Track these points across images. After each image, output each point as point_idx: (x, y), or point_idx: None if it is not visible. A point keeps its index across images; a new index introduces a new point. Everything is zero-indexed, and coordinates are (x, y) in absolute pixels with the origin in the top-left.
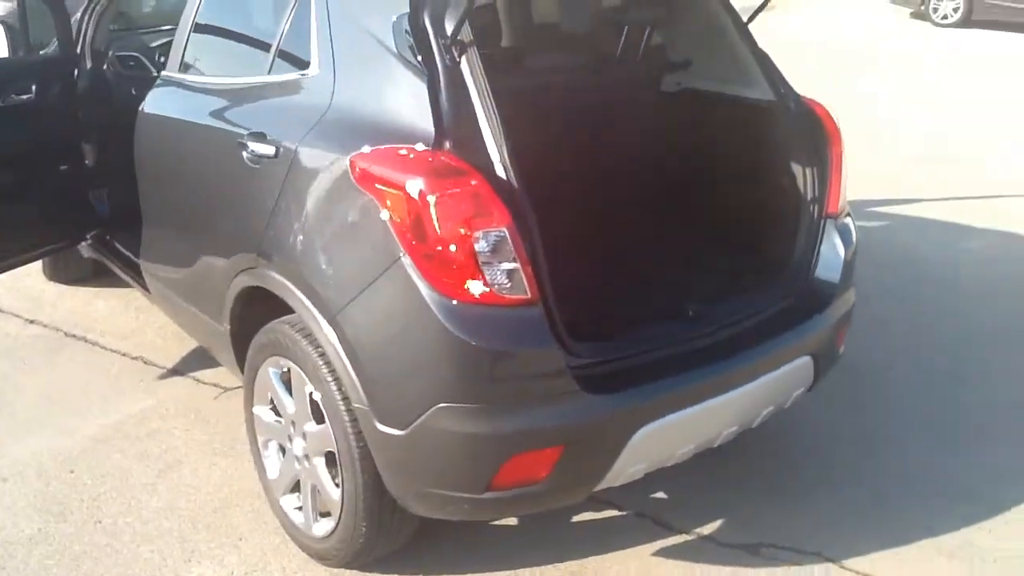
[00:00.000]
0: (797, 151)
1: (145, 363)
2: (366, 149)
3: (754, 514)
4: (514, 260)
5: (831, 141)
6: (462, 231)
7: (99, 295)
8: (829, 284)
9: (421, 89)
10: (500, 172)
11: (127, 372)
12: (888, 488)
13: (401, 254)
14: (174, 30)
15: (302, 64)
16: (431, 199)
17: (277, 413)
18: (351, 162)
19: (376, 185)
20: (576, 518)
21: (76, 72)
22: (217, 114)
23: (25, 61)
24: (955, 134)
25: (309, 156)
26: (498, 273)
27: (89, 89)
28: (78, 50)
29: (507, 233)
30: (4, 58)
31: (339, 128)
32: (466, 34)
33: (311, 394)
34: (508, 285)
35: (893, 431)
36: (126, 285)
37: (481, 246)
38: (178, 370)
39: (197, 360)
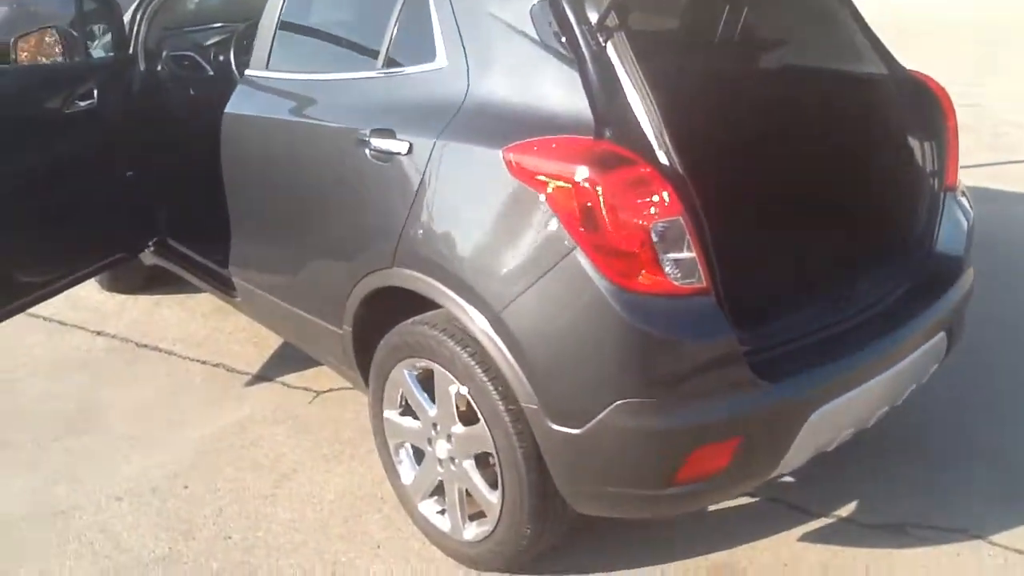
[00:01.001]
0: (913, 126)
1: (227, 370)
2: (520, 141)
3: (889, 493)
4: (688, 248)
5: (945, 114)
6: (636, 220)
7: (160, 303)
8: (954, 258)
9: (571, 77)
10: (663, 158)
11: (212, 381)
12: None
13: (573, 247)
14: (226, 27)
15: (425, 57)
16: (602, 189)
17: (410, 416)
18: (504, 155)
19: (537, 177)
20: (711, 508)
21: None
22: (325, 112)
23: (85, 66)
24: None
25: (450, 151)
26: (674, 262)
27: (145, 91)
28: (132, 51)
29: (681, 220)
30: (65, 63)
31: (481, 121)
32: (614, 17)
33: (457, 395)
34: (684, 274)
35: (1020, 404)
36: (186, 291)
37: (656, 235)
38: (263, 376)
39: (279, 364)
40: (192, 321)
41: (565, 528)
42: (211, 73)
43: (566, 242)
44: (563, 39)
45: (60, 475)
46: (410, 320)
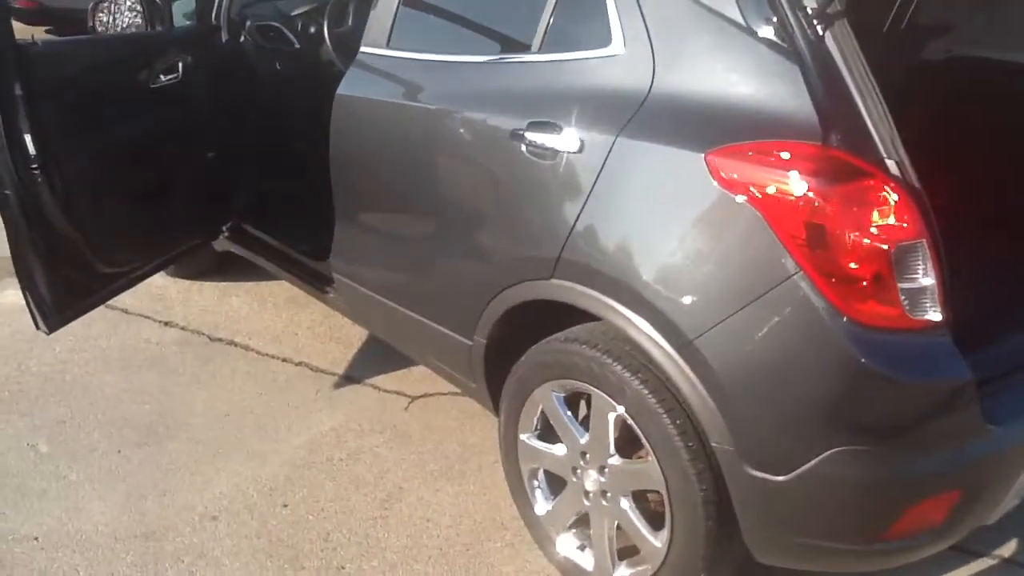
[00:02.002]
0: None
1: (312, 370)
2: (727, 144)
3: None
4: (928, 275)
5: None
6: (874, 243)
7: (227, 291)
8: None
9: (787, 72)
10: (894, 168)
11: (297, 381)
12: None
13: (794, 270)
14: None
15: (595, 41)
16: (835, 205)
17: (551, 441)
18: (708, 159)
19: (751, 187)
20: None
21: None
22: (466, 99)
23: (170, 36)
24: None
25: (634, 151)
26: (911, 291)
27: (229, 64)
28: (215, 20)
29: (924, 244)
30: (149, 33)
31: (672, 118)
32: (835, 4)
33: (617, 424)
34: (921, 305)
35: None
36: (253, 279)
37: (895, 260)
38: (351, 377)
39: (366, 364)
40: (264, 312)
41: (734, 574)
42: (297, 46)
43: (786, 264)
44: (777, 26)
45: (147, 488)
46: (562, 336)
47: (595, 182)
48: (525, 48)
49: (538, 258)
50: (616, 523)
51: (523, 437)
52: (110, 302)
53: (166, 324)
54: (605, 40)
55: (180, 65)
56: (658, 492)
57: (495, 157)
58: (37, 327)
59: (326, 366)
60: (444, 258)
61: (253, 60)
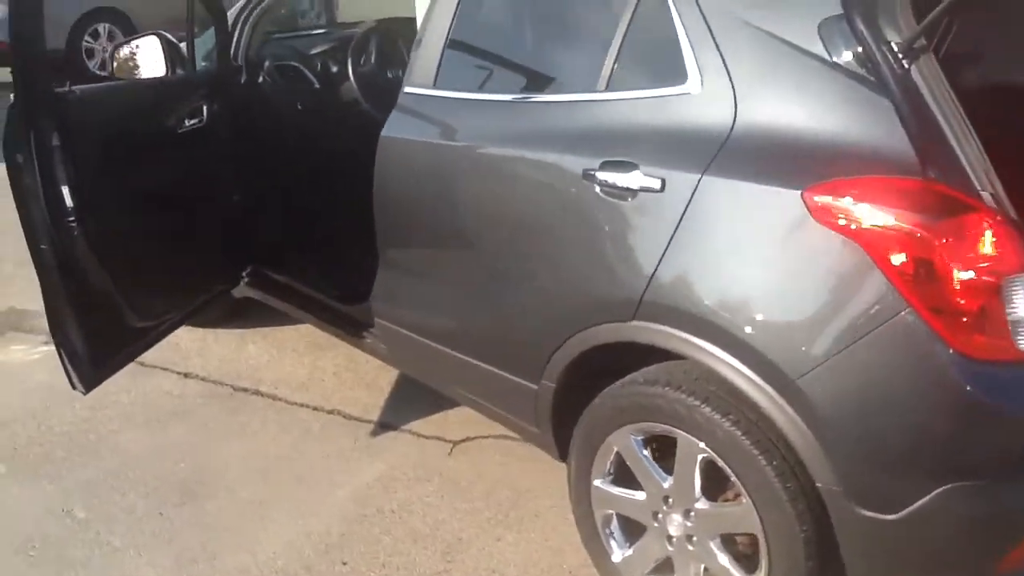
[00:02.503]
0: None
1: (345, 418)
2: (824, 181)
3: None
4: None
5: None
6: (981, 276)
7: (244, 338)
8: None
9: (878, 106)
10: (989, 200)
11: (331, 430)
12: None
13: (902, 307)
14: (329, 34)
15: (669, 78)
16: (944, 240)
17: (626, 485)
18: (806, 197)
19: (853, 224)
20: None
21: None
22: (527, 140)
23: (194, 79)
24: None
25: (723, 189)
26: (1021, 323)
27: (251, 105)
28: (235, 62)
29: None
30: (176, 77)
31: (760, 155)
32: (922, 39)
33: (703, 467)
34: None
35: None
36: (269, 324)
37: (1004, 292)
38: (387, 424)
39: (399, 410)
40: (285, 359)
41: None
42: (317, 85)
43: (893, 301)
44: (863, 60)
45: (195, 551)
46: (640, 379)
47: (680, 221)
48: (590, 87)
49: (618, 300)
50: (703, 567)
51: (597, 483)
52: (149, 360)
53: (185, 376)
54: (679, 77)
55: (204, 108)
56: (750, 534)
57: (566, 198)
58: (73, 386)
59: (359, 413)
60: (508, 302)
61: (273, 100)
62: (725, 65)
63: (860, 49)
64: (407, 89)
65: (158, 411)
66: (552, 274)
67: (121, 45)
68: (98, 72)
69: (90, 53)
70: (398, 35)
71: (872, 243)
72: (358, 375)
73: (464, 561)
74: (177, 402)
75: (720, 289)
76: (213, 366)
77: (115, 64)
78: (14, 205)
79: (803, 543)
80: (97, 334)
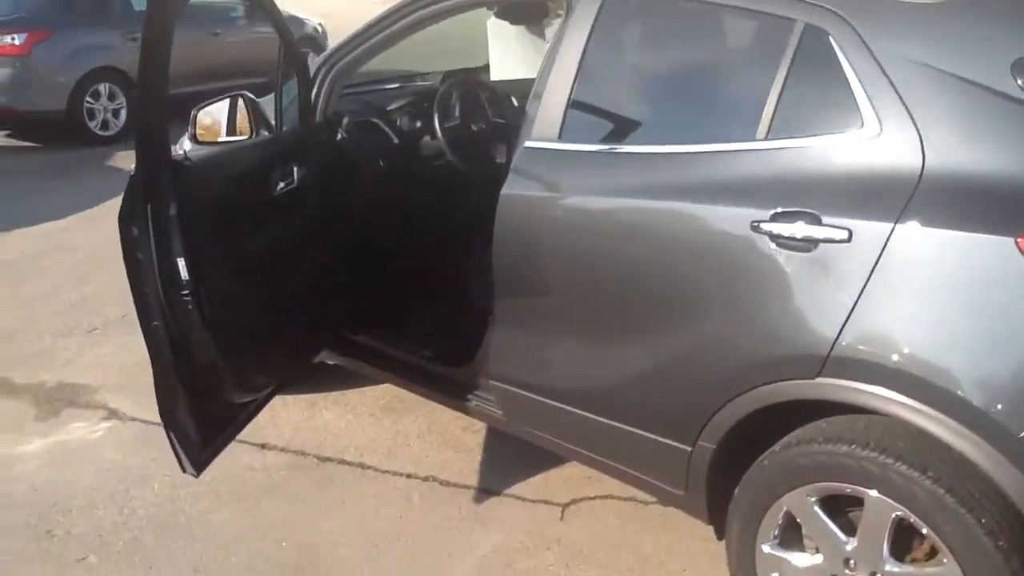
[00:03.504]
0: None
1: (442, 484)
2: None
3: None
4: None
5: None
6: None
7: (315, 404)
8: None
9: None
10: None
11: (432, 499)
12: None
13: None
14: (405, 88)
15: (840, 123)
16: None
17: (789, 548)
18: (1021, 242)
19: None
20: None
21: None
22: (681, 192)
23: (282, 140)
24: None
25: (920, 237)
26: None
27: (334, 164)
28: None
29: None
30: (264, 138)
31: (958, 201)
32: None
33: (895, 528)
34: None
35: None
36: (339, 388)
37: None
38: (489, 489)
39: (497, 473)
40: (364, 424)
41: None
42: (396, 141)
43: None
44: None
45: None
46: (819, 438)
47: (872, 272)
48: (748, 135)
49: (801, 356)
50: None
51: (765, 547)
52: None
53: (263, 447)
54: (853, 122)
55: (295, 170)
56: None
57: (732, 252)
58: (183, 469)
59: (456, 478)
60: (663, 363)
61: (355, 158)
62: (907, 110)
63: None
64: (529, 144)
65: (244, 487)
66: (717, 332)
67: (203, 107)
68: (99, 133)
69: (91, 114)
70: (478, 87)
71: None
72: (443, 437)
73: None
74: (262, 476)
75: (925, 342)
76: (289, 435)
77: (198, 129)
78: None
79: None
80: (206, 413)
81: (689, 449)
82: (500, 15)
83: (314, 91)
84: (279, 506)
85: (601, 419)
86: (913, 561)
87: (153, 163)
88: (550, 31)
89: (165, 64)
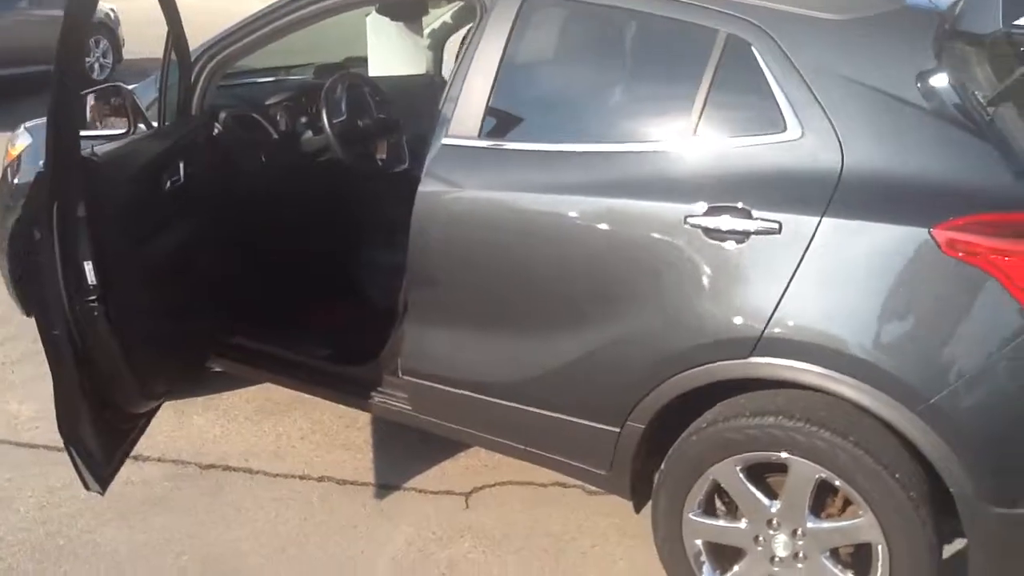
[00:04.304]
0: None
1: (339, 483)
2: (950, 218)
3: None
4: None
5: None
6: None
7: (182, 410)
8: None
9: (981, 150)
10: None
11: (333, 499)
12: None
13: None
14: (282, 82)
15: (766, 126)
16: None
17: (712, 514)
18: (936, 233)
19: (988, 257)
20: None
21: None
22: (613, 189)
23: (171, 133)
24: None
25: (844, 229)
26: None
27: (215, 159)
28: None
29: None
30: (156, 133)
31: (876, 197)
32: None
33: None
34: None
35: None
36: (205, 393)
37: None
38: (388, 484)
39: (391, 467)
40: (241, 429)
41: None
42: (275, 136)
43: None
44: (961, 110)
45: None
46: (746, 411)
47: (801, 261)
48: (675, 135)
49: (733, 339)
50: None
51: (691, 515)
52: (56, 442)
53: (137, 459)
54: (777, 125)
55: (181, 166)
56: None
57: (664, 244)
58: (87, 487)
59: (352, 477)
60: (591, 352)
61: (235, 154)
62: (827, 115)
63: (956, 99)
64: (448, 141)
65: (125, 502)
66: (649, 320)
67: (89, 93)
68: None
69: None
70: (363, 82)
71: (1007, 271)
72: (328, 437)
73: None
74: (143, 489)
75: (850, 321)
76: (163, 445)
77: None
78: None
79: (926, 546)
80: (108, 427)
81: (617, 431)
82: (380, 11)
83: (197, 85)
84: (170, 519)
85: (525, 408)
86: (828, 516)
87: (64, 160)
88: (428, 29)
89: (81, 56)
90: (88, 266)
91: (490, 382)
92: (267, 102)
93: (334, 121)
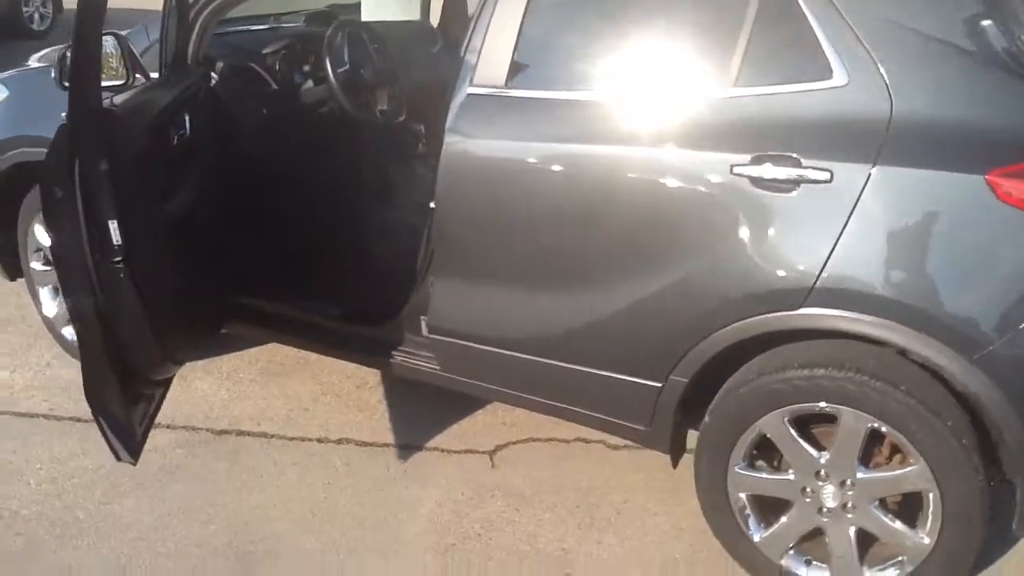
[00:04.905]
0: None
1: (359, 445)
2: (1008, 165)
3: None
4: None
5: None
6: None
7: (183, 376)
8: None
9: None
10: None
11: (356, 462)
12: None
13: None
14: (277, 29)
15: (811, 73)
16: None
17: (756, 467)
18: (991, 179)
19: None
20: None
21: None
22: (657, 138)
23: (174, 83)
24: None
25: (897, 177)
26: None
27: (216, 111)
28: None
29: None
30: (164, 82)
31: (928, 144)
32: None
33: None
34: None
35: None
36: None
37: None
38: (410, 444)
39: (410, 428)
40: (250, 392)
41: None
42: (275, 87)
43: None
44: (1011, 54)
45: None
46: (795, 363)
47: (853, 209)
48: (717, 84)
49: (784, 290)
50: (856, 529)
51: (736, 468)
52: (55, 411)
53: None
54: (823, 73)
55: (187, 117)
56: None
57: (710, 195)
58: (118, 458)
59: (371, 438)
60: (634, 306)
61: (234, 105)
62: (874, 60)
63: (1006, 44)
64: (474, 90)
65: (142, 472)
66: (694, 272)
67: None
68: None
69: None
70: (363, 30)
71: None
72: (340, 398)
73: (586, 571)
74: (157, 457)
75: (903, 270)
76: (171, 411)
77: (62, 72)
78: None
79: (978, 492)
80: (135, 395)
81: (659, 385)
82: None
83: (192, 34)
84: (190, 487)
85: (562, 364)
86: (876, 465)
87: (84, 111)
88: None
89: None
90: (113, 225)
91: (525, 339)
92: (263, 51)
93: (338, 71)
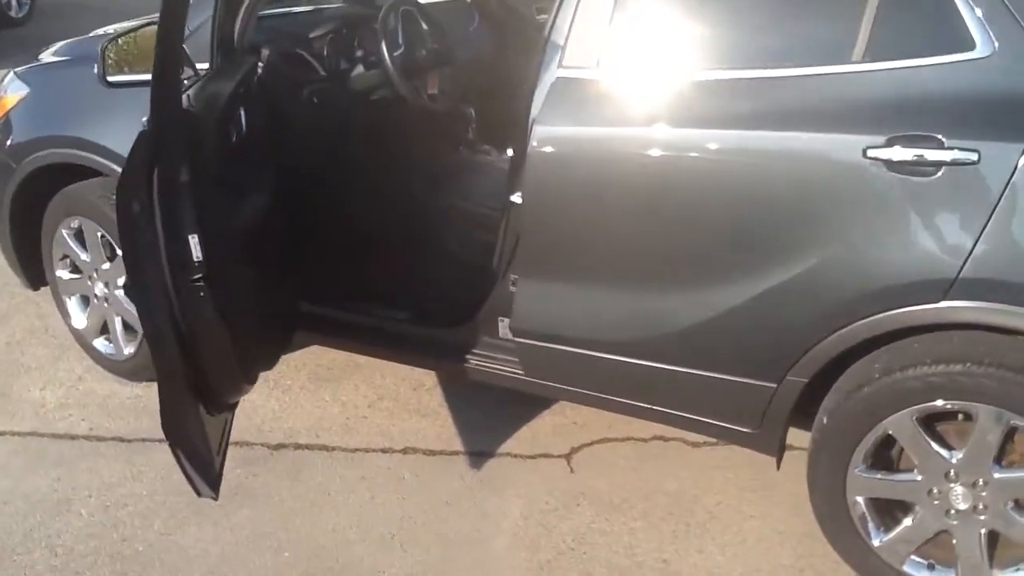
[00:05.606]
0: None
1: (426, 455)
2: None
3: None
4: None
5: None
6: None
7: None
8: None
9: None
10: None
11: (427, 473)
12: None
13: None
14: (321, 12)
15: (948, 46)
16: None
17: (875, 469)
18: None
19: None
20: None
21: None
22: (774, 120)
23: (225, 76)
24: None
25: None
26: None
27: (268, 104)
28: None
29: None
30: (206, 77)
31: None
32: None
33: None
34: None
35: None
36: None
37: None
38: (480, 452)
39: (477, 433)
40: (301, 401)
41: None
42: (324, 74)
43: None
44: None
45: None
46: (927, 360)
47: (1003, 192)
48: (842, 58)
49: (924, 282)
50: (987, 532)
51: (857, 471)
52: (96, 431)
53: None
54: (964, 44)
55: (242, 113)
56: None
57: (840, 180)
58: (199, 493)
59: (438, 447)
60: (752, 303)
61: (285, 95)
62: (1022, 28)
63: None
64: (563, 73)
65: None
66: (821, 264)
67: (115, 39)
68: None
69: None
70: (416, 8)
71: None
72: (398, 403)
73: None
74: (239, 477)
75: None
76: None
77: (104, 63)
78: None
79: None
80: (212, 421)
81: (774, 386)
82: None
83: (236, 22)
84: (255, 511)
85: (665, 367)
86: (1011, 464)
87: (168, 117)
88: None
89: None
90: (194, 240)
91: (624, 341)
92: (311, 35)
93: (394, 54)
